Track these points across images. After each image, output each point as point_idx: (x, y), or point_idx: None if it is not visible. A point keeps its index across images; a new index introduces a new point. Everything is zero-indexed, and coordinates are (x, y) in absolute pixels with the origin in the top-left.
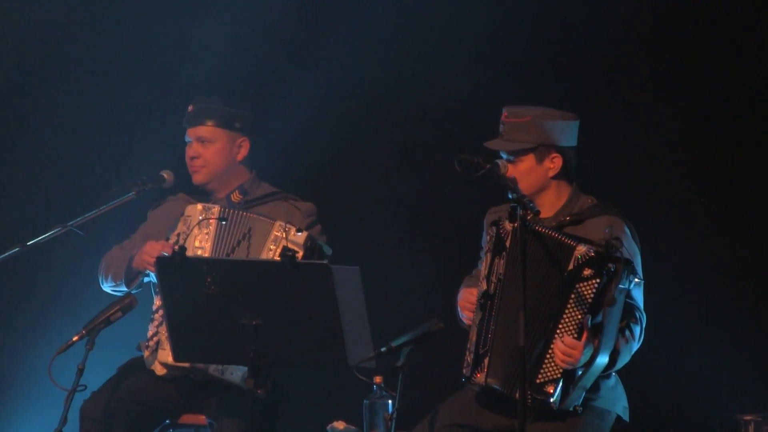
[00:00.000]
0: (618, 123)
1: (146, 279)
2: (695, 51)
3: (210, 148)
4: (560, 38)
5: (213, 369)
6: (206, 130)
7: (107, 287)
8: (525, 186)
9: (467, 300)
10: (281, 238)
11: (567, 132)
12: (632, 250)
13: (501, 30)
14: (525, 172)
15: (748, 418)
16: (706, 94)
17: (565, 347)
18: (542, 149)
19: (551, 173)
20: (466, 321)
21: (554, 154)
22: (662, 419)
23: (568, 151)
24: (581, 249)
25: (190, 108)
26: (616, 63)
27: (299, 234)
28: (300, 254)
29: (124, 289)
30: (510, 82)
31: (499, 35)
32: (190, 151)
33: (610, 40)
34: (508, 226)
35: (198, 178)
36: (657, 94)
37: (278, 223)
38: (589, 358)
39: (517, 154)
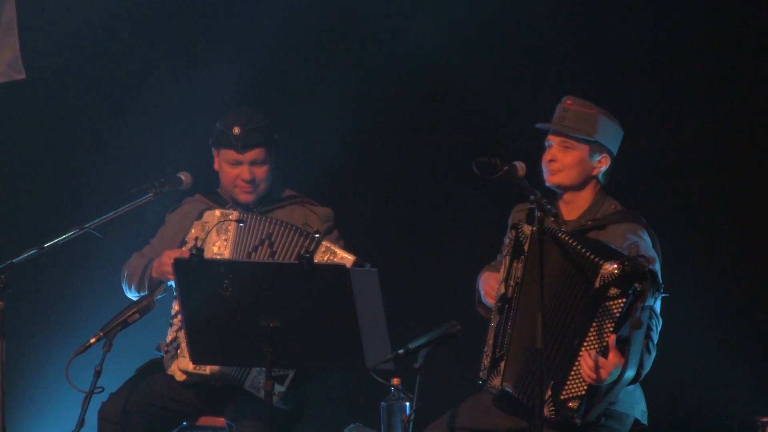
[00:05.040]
0: (641, 128)
1: (169, 282)
2: (720, 55)
3: (263, 168)
4: (580, 41)
5: (249, 385)
6: (261, 152)
7: (132, 296)
8: (569, 176)
9: (491, 286)
10: (327, 260)
11: (617, 139)
12: (652, 257)
13: (519, 33)
14: (575, 161)
15: (766, 420)
16: (733, 97)
17: (593, 364)
18: (597, 146)
19: (595, 172)
20: (487, 303)
21: (604, 154)
22: (680, 422)
23: (612, 157)
24: (608, 268)
25: (236, 131)
26: (638, 65)
27: (347, 257)
28: None
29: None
30: (528, 86)
31: (517, 39)
32: (245, 174)
33: (633, 43)
34: (527, 229)
35: (250, 198)
36: (684, 99)
37: (324, 243)
38: (616, 377)
39: (576, 141)
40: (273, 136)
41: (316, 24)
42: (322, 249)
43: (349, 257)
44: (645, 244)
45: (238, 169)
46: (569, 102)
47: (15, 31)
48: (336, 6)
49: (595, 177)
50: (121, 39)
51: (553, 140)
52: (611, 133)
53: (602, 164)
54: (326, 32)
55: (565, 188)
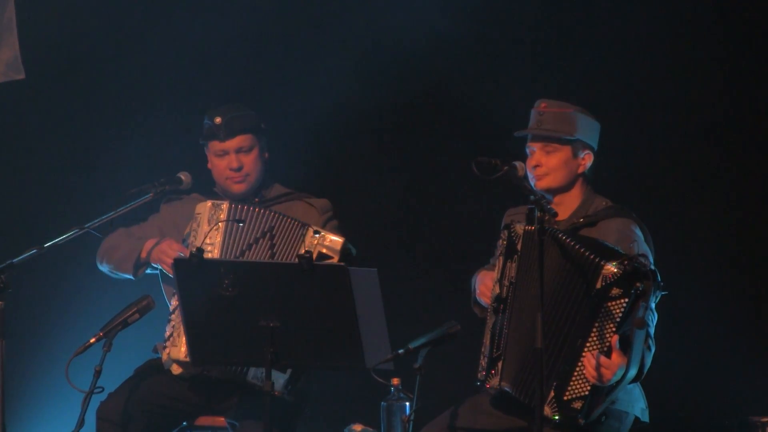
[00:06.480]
0: (630, 124)
1: (149, 270)
2: (710, 52)
3: (251, 156)
4: (571, 38)
5: (252, 376)
6: (246, 138)
7: (105, 268)
8: (557, 178)
9: (487, 286)
10: (316, 245)
11: (597, 133)
12: (644, 252)
13: (512, 31)
14: (560, 163)
15: (766, 419)
16: (723, 94)
17: (597, 365)
18: (579, 144)
19: (581, 170)
20: (482, 302)
21: (587, 151)
22: (680, 420)
23: (594, 152)
24: (609, 269)
25: (218, 120)
26: (627, 62)
27: (335, 239)
28: (335, 259)
29: (126, 276)
30: (520, 84)
31: (510, 36)
32: (232, 162)
33: (623, 40)
34: (519, 229)
35: (242, 188)
36: (672, 95)
37: (312, 228)
38: (620, 377)
39: (558, 143)
40: (259, 125)
41: (311, 24)
42: (310, 233)
43: (338, 240)
44: (638, 239)
45: (226, 159)
46: (543, 105)
47: (15, 31)
48: (331, 2)
49: (582, 175)
50: (120, 39)
51: (534, 146)
52: (590, 129)
53: (586, 161)
54: (323, 32)
55: (555, 191)
